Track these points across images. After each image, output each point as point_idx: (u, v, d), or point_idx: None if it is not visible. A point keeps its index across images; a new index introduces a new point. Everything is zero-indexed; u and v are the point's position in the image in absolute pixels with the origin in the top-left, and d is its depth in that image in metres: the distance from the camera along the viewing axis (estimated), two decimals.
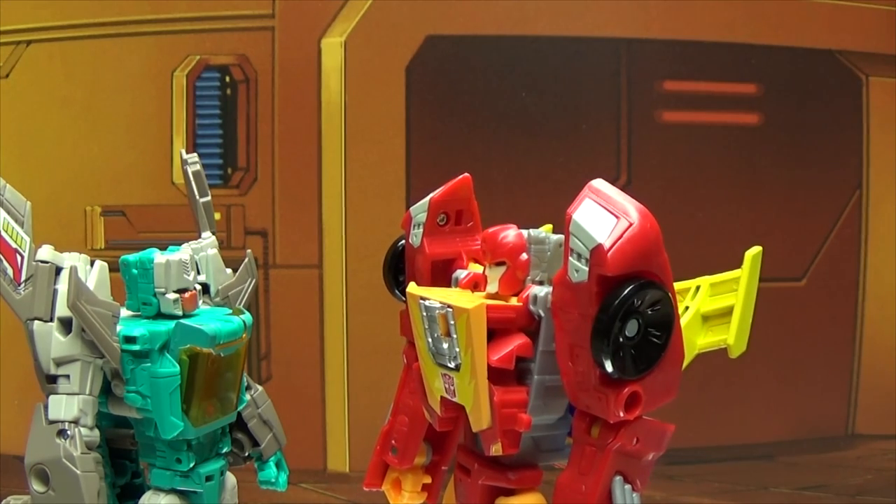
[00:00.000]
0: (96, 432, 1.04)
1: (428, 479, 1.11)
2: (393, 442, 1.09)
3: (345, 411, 2.00)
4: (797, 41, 2.07)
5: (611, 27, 2.01)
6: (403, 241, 1.08)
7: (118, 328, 1.03)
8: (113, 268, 1.08)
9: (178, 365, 1.03)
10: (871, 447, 2.13)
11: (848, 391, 2.13)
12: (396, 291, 1.09)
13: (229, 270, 1.16)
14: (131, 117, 1.97)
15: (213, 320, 1.06)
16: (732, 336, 1.00)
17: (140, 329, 1.03)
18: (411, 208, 1.06)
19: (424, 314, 0.95)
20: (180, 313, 1.06)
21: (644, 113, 2.04)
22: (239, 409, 1.11)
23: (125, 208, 1.98)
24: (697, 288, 1.03)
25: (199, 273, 1.12)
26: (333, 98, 1.98)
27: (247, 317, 1.09)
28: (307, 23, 1.98)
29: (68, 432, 1.02)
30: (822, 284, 2.11)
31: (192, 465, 1.08)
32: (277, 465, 1.19)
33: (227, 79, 1.98)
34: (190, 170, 1.18)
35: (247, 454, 1.18)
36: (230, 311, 1.11)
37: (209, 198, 1.19)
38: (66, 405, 1.03)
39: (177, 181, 1.97)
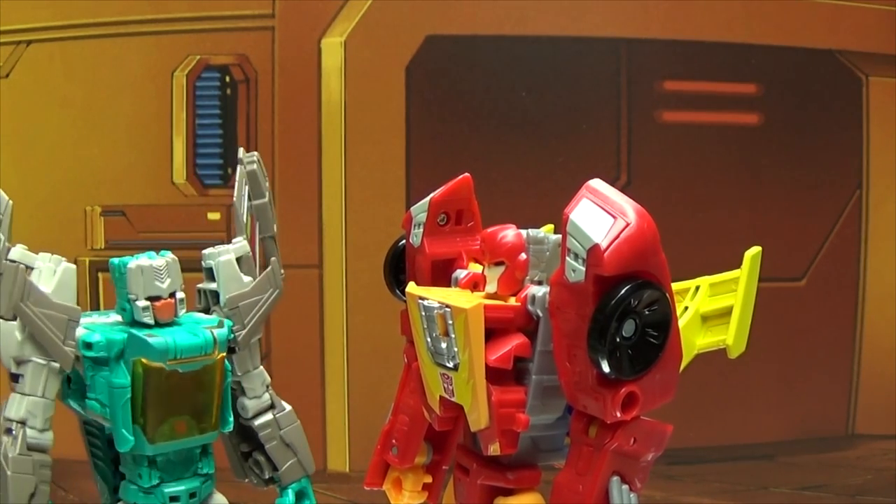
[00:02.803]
0: (48, 435, 1.02)
1: (429, 479, 1.11)
2: (393, 441, 1.09)
3: (345, 411, 2.00)
4: (797, 41, 2.07)
5: (611, 27, 2.01)
6: (404, 241, 1.08)
7: (79, 332, 1.01)
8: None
9: (128, 377, 1.01)
10: (871, 447, 2.13)
11: (848, 391, 2.13)
12: (397, 291, 1.09)
13: (248, 279, 1.11)
14: (131, 117, 1.97)
15: (175, 333, 1.02)
16: (732, 336, 1.00)
17: (98, 335, 1.01)
18: (412, 208, 1.06)
19: (423, 314, 0.95)
20: (151, 322, 1.03)
21: (644, 113, 2.04)
22: (224, 430, 1.07)
23: (125, 208, 1.98)
24: (697, 288, 1.03)
25: (212, 280, 1.09)
26: (333, 98, 1.98)
27: (220, 332, 1.04)
28: (307, 23, 1.98)
29: (13, 432, 1.01)
30: (822, 284, 2.11)
31: (154, 482, 1.04)
32: (301, 495, 1.14)
33: (227, 79, 1.98)
34: (246, 169, 1.13)
35: (268, 477, 1.14)
36: (213, 322, 1.06)
37: (265, 200, 1.13)
38: (17, 404, 1.01)
39: (177, 181, 1.97)
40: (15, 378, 1.02)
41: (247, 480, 1.17)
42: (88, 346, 1.01)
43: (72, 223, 1.96)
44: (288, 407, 1.15)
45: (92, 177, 1.97)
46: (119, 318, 1.05)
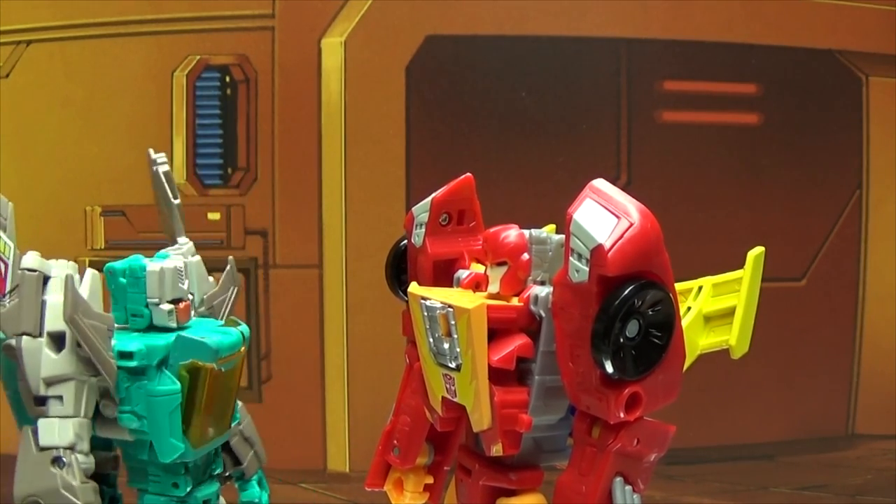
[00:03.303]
0: (92, 459, 0.97)
1: (430, 479, 1.11)
2: (395, 442, 1.09)
3: (345, 411, 2.00)
4: (797, 41, 2.07)
5: (611, 27, 2.01)
6: (406, 241, 1.08)
7: (112, 342, 0.96)
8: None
9: (177, 382, 0.96)
10: (871, 447, 2.13)
11: (848, 391, 2.13)
12: (399, 291, 1.09)
13: (211, 279, 1.10)
14: (131, 117, 1.96)
15: (211, 332, 1.00)
16: (734, 337, 0.99)
17: (136, 343, 0.96)
18: (413, 208, 1.06)
19: (425, 314, 0.95)
20: (175, 326, 0.99)
21: (644, 113, 2.04)
22: (233, 426, 1.06)
23: (125, 208, 1.98)
24: (700, 288, 1.03)
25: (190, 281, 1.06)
26: (333, 98, 1.98)
27: (244, 328, 1.03)
28: (307, 23, 1.98)
29: (64, 460, 0.94)
30: (822, 284, 2.11)
31: (189, 489, 1.01)
32: (259, 484, 1.14)
33: (227, 79, 1.98)
34: (160, 170, 1.10)
35: (227, 474, 1.12)
36: (220, 322, 1.05)
37: (179, 200, 1.12)
38: (61, 429, 0.94)
39: (177, 181, 1.97)
40: (41, 402, 0.95)
41: None
42: (128, 355, 0.95)
43: (72, 223, 1.96)
44: (239, 402, 1.12)
45: (92, 177, 1.97)
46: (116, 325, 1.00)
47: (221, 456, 1.08)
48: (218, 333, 1.00)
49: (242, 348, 1.01)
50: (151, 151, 1.11)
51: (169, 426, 0.96)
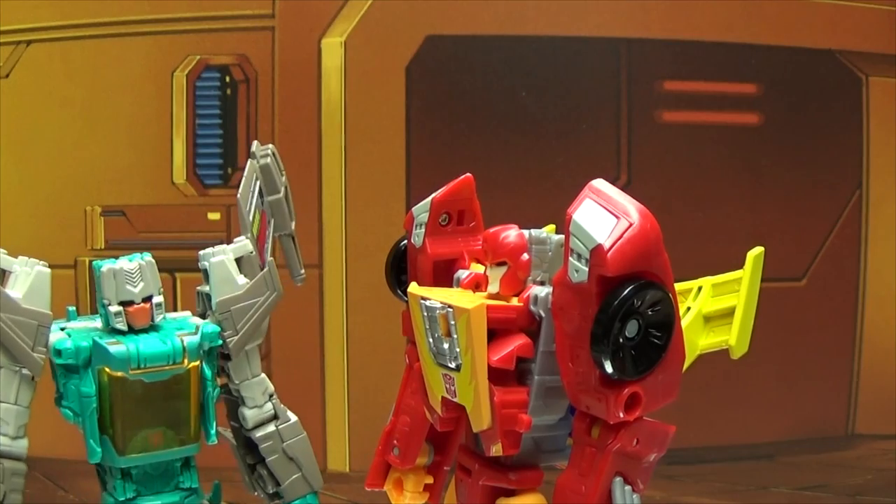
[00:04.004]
0: (21, 443, 0.98)
1: (430, 480, 1.11)
2: (395, 442, 1.09)
3: (345, 411, 2.00)
4: (797, 41, 2.07)
5: (611, 27, 2.01)
6: (406, 242, 1.08)
7: (53, 338, 0.98)
8: None
9: (94, 385, 0.98)
10: (871, 447, 2.13)
11: (848, 391, 2.13)
12: (399, 292, 1.09)
13: (243, 281, 1.07)
14: (131, 117, 1.96)
15: (141, 341, 0.99)
16: (734, 337, 0.99)
17: (68, 342, 0.98)
18: (413, 208, 1.06)
19: (425, 314, 0.95)
20: (124, 328, 0.99)
21: (644, 113, 2.04)
22: (208, 442, 1.04)
23: (125, 208, 1.98)
24: (699, 288, 1.03)
25: (206, 282, 1.05)
26: (333, 98, 1.98)
27: (191, 340, 1.00)
28: (307, 23, 1.98)
29: None
30: (822, 284, 2.11)
31: (130, 496, 1.01)
32: None
33: (227, 79, 1.98)
34: (259, 164, 1.08)
35: (272, 491, 1.10)
36: (192, 329, 1.02)
37: (279, 195, 1.09)
38: None
39: (177, 181, 1.97)
40: None
41: (255, 493, 1.13)
42: (58, 352, 0.98)
43: (72, 223, 1.96)
44: (293, 418, 1.10)
45: (92, 177, 1.97)
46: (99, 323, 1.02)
47: (194, 470, 1.05)
48: (150, 342, 0.98)
49: (184, 361, 0.99)
50: (256, 143, 1.09)
51: (89, 428, 0.98)
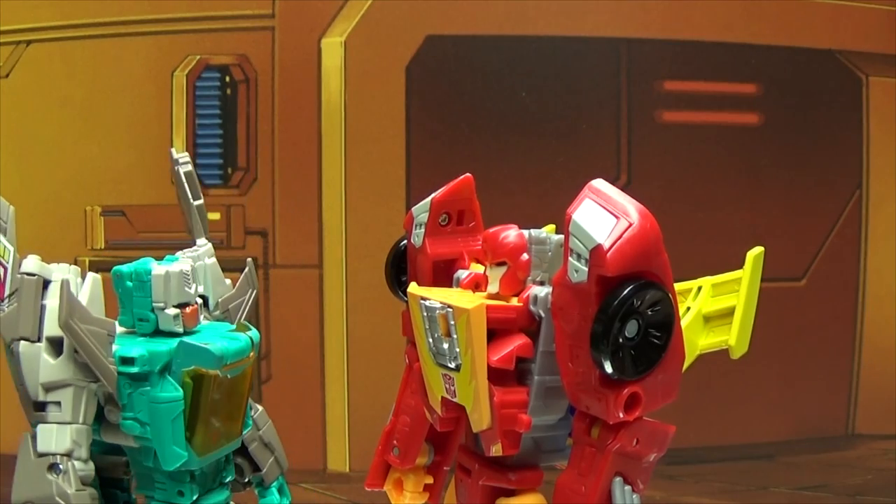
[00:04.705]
0: (91, 465, 0.95)
1: (430, 480, 1.11)
2: (395, 442, 1.09)
3: (345, 411, 2.00)
4: (797, 41, 2.07)
5: (611, 27, 2.01)
6: (406, 242, 1.08)
7: (114, 348, 0.94)
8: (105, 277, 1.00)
9: (180, 389, 0.94)
10: (871, 447, 2.13)
11: (848, 391, 2.13)
12: (398, 292, 1.09)
13: (228, 281, 1.09)
14: (131, 117, 1.97)
15: (218, 338, 0.97)
16: (734, 337, 0.99)
17: (138, 349, 0.94)
18: (413, 208, 1.06)
19: (425, 314, 0.95)
20: (181, 330, 0.97)
21: (644, 113, 2.04)
22: (246, 432, 1.04)
23: (125, 208, 1.98)
24: (699, 288, 1.03)
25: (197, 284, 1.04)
26: (333, 98, 1.98)
27: (254, 333, 1.00)
28: (307, 23, 1.98)
29: (61, 467, 0.93)
30: (822, 284, 2.11)
31: (195, 497, 1.00)
32: (280, 491, 1.13)
33: (227, 79, 1.98)
34: (182, 170, 1.09)
35: (247, 480, 1.11)
36: (233, 326, 1.03)
37: (202, 200, 1.11)
38: (58, 436, 0.93)
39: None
40: (41, 407, 0.94)
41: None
42: (129, 361, 0.94)
43: (72, 223, 1.96)
44: (260, 407, 1.11)
45: (92, 177, 1.97)
46: (123, 329, 0.99)
47: (233, 463, 1.06)
48: (225, 339, 0.98)
49: (251, 354, 0.99)
50: (174, 151, 1.09)
51: (171, 434, 0.94)
